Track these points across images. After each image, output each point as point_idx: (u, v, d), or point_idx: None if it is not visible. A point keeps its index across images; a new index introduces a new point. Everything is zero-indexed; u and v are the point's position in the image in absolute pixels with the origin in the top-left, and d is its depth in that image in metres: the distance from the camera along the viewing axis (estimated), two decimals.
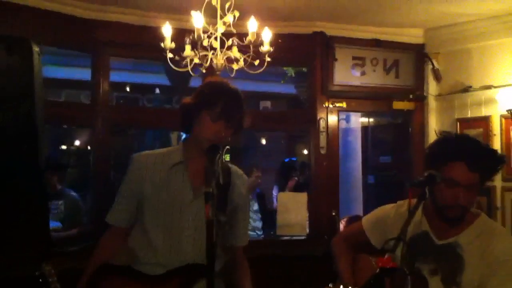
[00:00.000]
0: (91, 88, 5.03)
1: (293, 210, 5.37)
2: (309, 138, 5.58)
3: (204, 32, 3.92)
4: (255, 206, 6.41)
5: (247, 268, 2.65)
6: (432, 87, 5.60)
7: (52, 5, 4.59)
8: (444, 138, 2.46)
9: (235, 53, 3.99)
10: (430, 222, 2.44)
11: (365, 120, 7.17)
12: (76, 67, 6.65)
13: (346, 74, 5.48)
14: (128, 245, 2.51)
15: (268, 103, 8.91)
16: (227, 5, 3.95)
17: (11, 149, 2.27)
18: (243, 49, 4.01)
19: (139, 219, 2.50)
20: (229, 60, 4.03)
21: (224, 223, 2.39)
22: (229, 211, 2.44)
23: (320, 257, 4.79)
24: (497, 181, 4.88)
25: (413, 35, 5.57)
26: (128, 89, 8.72)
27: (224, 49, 4.01)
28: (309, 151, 5.64)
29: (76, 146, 8.73)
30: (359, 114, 6.85)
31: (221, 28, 3.97)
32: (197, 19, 3.80)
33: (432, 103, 5.60)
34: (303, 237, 5.39)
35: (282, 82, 6.56)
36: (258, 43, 3.93)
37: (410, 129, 5.75)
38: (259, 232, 6.24)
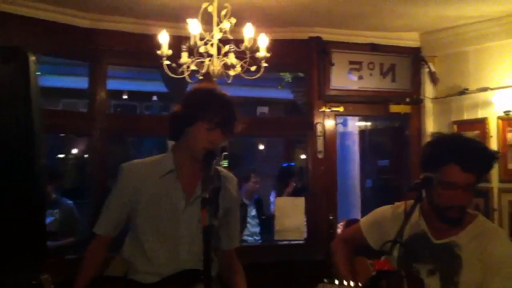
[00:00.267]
0: (89, 97, 5.03)
1: (291, 214, 5.37)
2: (306, 143, 5.59)
3: (201, 39, 3.94)
4: (253, 212, 6.41)
5: (241, 269, 2.66)
6: (428, 90, 5.62)
7: (48, 15, 4.61)
8: (436, 140, 2.47)
9: (231, 59, 4.01)
10: (427, 222, 2.44)
11: (362, 124, 7.18)
12: (73, 76, 6.66)
13: (343, 79, 5.50)
14: (123, 256, 2.50)
15: (265, 109, 8.94)
16: (223, 12, 3.96)
17: (8, 158, 2.27)
18: (239, 55, 4.03)
19: (132, 229, 2.49)
20: (226, 66, 4.05)
21: (217, 227, 2.41)
22: (221, 214, 2.44)
23: (318, 261, 4.79)
24: (494, 183, 4.89)
25: (409, 39, 5.60)
26: (125, 96, 8.73)
27: (221, 56, 4.03)
28: (306, 155, 5.65)
29: (73, 154, 8.73)
30: (357, 118, 6.86)
31: (217, 35, 3.99)
32: (194, 26, 3.82)
33: (428, 106, 5.62)
34: (301, 242, 5.39)
35: (279, 87, 6.56)
36: (254, 49, 3.95)
37: (407, 133, 5.76)
38: (257, 238, 6.24)
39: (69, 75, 6.96)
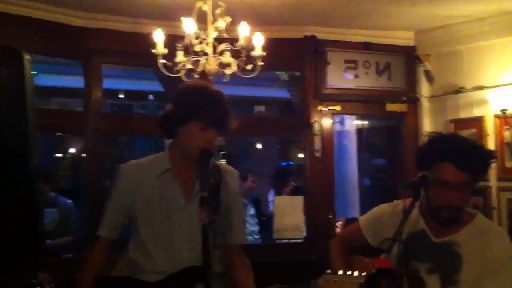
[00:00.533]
0: (84, 96, 5.01)
1: (290, 213, 5.37)
2: (303, 142, 5.59)
3: (196, 37, 3.93)
4: (251, 211, 6.40)
5: (248, 266, 2.61)
6: (424, 89, 5.62)
7: (42, 14, 4.59)
8: (431, 139, 2.46)
9: (227, 58, 3.99)
10: (427, 220, 2.44)
11: (359, 122, 7.18)
12: (68, 75, 6.63)
13: (338, 78, 5.51)
14: (127, 256, 2.51)
15: (262, 108, 8.92)
16: (218, 11, 3.95)
17: (1, 157, 2.26)
18: (235, 54, 4.02)
19: (134, 229, 2.49)
20: (222, 65, 4.03)
21: (219, 223, 2.39)
22: (223, 209, 2.43)
23: (317, 260, 4.79)
24: (492, 181, 4.89)
25: (403, 38, 5.60)
26: (121, 96, 8.71)
27: (217, 54, 4.01)
28: (304, 154, 5.64)
29: (70, 154, 8.70)
30: (354, 117, 6.86)
31: (213, 33, 3.97)
32: (189, 25, 3.81)
33: (425, 104, 5.62)
34: (300, 241, 5.39)
35: (275, 86, 6.56)
36: (250, 48, 3.94)
37: (404, 131, 5.76)
38: (256, 237, 6.23)
39: (64, 74, 6.93)
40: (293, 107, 6.89)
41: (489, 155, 2.37)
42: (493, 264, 2.28)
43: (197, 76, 4.09)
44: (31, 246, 2.47)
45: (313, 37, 5.37)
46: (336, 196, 5.58)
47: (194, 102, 2.37)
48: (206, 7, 3.96)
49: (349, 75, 5.54)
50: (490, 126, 5.00)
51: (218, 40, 4.03)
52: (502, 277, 2.26)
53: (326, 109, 5.45)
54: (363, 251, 2.61)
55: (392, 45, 5.60)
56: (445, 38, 5.38)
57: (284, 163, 7.95)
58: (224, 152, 2.48)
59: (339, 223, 5.39)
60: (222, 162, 2.65)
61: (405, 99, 5.64)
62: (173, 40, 4.04)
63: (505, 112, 4.85)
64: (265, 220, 6.37)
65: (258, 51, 3.94)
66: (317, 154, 5.42)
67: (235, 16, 3.94)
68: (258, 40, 3.95)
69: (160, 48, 3.94)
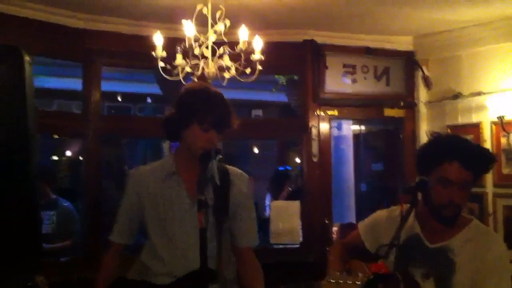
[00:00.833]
0: (83, 98, 5.01)
1: (286, 218, 5.37)
2: (301, 146, 5.59)
3: (195, 40, 3.93)
4: None
5: (258, 269, 2.63)
6: (422, 94, 5.63)
7: (42, 15, 4.59)
8: (436, 138, 2.48)
9: (226, 61, 4.00)
10: (422, 226, 2.45)
11: (356, 127, 7.18)
12: (67, 77, 6.63)
13: (337, 82, 5.51)
14: (139, 259, 2.55)
15: (259, 112, 8.91)
16: (218, 14, 3.96)
17: (2, 158, 2.26)
18: (234, 58, 4.02)
19: (147, 232, 2.53)
20: (221, 69, 4.04)
21: (228, 226, 2.44)
22: (232, 212, 2.45)
23: (313, 264, 4.79)
24: (489, 187, 4.91)
25: (402, 43, 5.61)
26: (119, 98, 8.70)
27: (216, 58, 4.02)
28: (301, 159, 5.64)
29: (67, 156, 8.69)
30: (351, 121, 6.86)
31: (212, 37, 3.98)
32: (188, 28, 3.81)
33: (422, 110, 5.63)
34: (296, 245, 5.38)
35: (273, 90, 6.56)
36: (249, 52, 3.95)
37: (401, 136, 5.76)
38: None
39: (63, 76, 6.93)
40: (291, 111, 6.89)
41: (492, 156, 2.41)
42: (488, 269, 2.29)
43: (196, 79, 4.09)
44: (29, 247, 2.47)
45: (312, 41, 5.38)
46: (332, 201, 5.58)
47: (194, 104, 2.40)
48: (206, 10, 3.97)
49: (348, 80, 5.54)
50: (487, 132, 5.01)
51: (218, 44, 4.04)
52: (497, 281, 2.27)
53: (324, 113, 5.46)
54: (362, 256, 2.62)
55: (391, 50, 5.61)
56: (445, 43, 5.39)
57: (281, 168, 7.95)
58: (221, 156, 2.50)
59: (334, 229, 5.39)
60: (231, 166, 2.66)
61: (403, 104, 5.64)
62: (172, 43, 4.04)
63: (502, 119, 4.86)
64: (262, 224, 6.36)
65: (257, 55, 3.95)
66: (315, 159, 5.42)
67: (235, 20, 3.95)
68: (258, 44, 3.96)
69: (159, 51, 3.94)
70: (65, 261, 4.85)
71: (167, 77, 4.03)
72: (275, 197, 6.62)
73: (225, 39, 3.96)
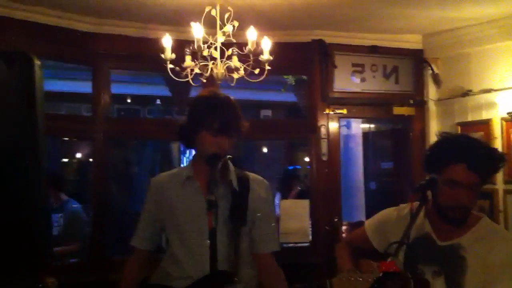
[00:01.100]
0: (92, 101, 5.04)
1: (296, 217, 5.37)
2: (310, 146, 5.59)
3: (204, 42, 3.95)
4: None
5: (279, 275, 2.63)
6: (431, 92, 5.62)
7: (51, 19, 4.62)
8: (443, 139, 2.46)
9: (235, 62, 4.01)
10: (432, 224, 2.44)
11: (365, 126, 7.17)
12: (76, 80, 6.68)
13: (346, 81, 5.51)
14: (161, 264, 2.59)
15: (268, 112, 8.93)
16: (226, 16, 3.98)
17: (11, 162, 2.27)
18: (243, 59, 4.03)
19: (167, 237, 2.58)
20: (229, 70, 4.05)
21: (248, 231, 2.47)
22: (251, 217, 2.47)
23: (322, 263, 4.79)
24: (499, 184, 4.88)
25: (411, 41, 5.60)
26: (128, 100, 8.75)
27: (224, 59, 4.03)
28: (310, 158, 5.65)
29: (77, 159, 8.75)
30: (360, 120, 6.86)
31: (221, 38, 3.99)
32: (197, 30, 3.83)
33: (432, 108, 5.61)
34: (306, 244, 5.39)
35: (282, 90, 6.57)
36: (257, 52, 3.96)
37: (411, 135, 5.75)
38: None
39: (72, 80, 6.98)
40: (300, 110, 6.90)
41: (501, 157, 2.37)
42: (499, 267, 2.27)
43: (205, 80, 4.11)
44: (39, 250, 2.49)
45: (320, 41, 5.38)
46: (342, 200, 5.58)
47: (201, 111, 2.46)
48: (215, 12, 3.98)
49: (356, 79, 5.54)
50: (497, 129, 4.99)
51: (226, 45, 4.05)
52: (509, 279, 2.26)
53: (333, 112, 5.46)
54: (368, 255, 2.62)
55: (399, 48, 5.60)
56: (453, 41, 5.37)
57: (291, 167, 7.96)
58: (230, 156, 2.53)
59: (343, 228, 5.39)
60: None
61: (412, 102, 5.63)
62: (181, 45, 4.06)
63: None
64: None
65: (265, 56, 3.96)
66: (324, 158, 5.42)
67: (243, 21, 3.96)
68: (266, 45, 3.97)
69: (168, 54, 3.96)
70: (72, 264, 4.88)
71: (176, 78, 4.05)
72: (284, 197, 6.63)
73: (234, 40, 3.97)
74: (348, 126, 6.95)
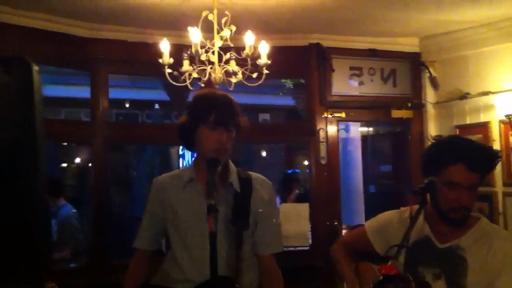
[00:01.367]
0: (91, 106, 5.05)
1: (295, 220, 5.37)
2: (308, 149, 5.60)
3: (202, 47, 3.95)
4: None
5: (278, 277, 2.60)
6: (430, 95, 5.63)
7: (49, 25, 4.63)
8: (439, 142, 2.47)
9: (233, 66, 4.01)
10: (431, 226, 2.44)
11: (364, 129, 7.18)
12: (75, 86, 6.68)
13: (344, 85, 5.52)
14: (163, 266, 2.57)
15: (267, 116, 8.93)
16: (223, 20, 3.97)
17: (11, 162, 2.27)
18: (241, 63, 4.04)
19: (169, 239, 2.56)
20: (227, 74, 4.05)
21: (251, 233, 2.45)
22: (253, 218, 2.46)
23: (322, 267, 4.78)
24: (498, 187, 4.89)
25: (408, 44, 5.61)
26: (127, 105, 8.75)
27: (222, 63, 4.03)
28: (309, 161, 5.65)
29: (76, 163, 8.75)
30: (359, 123, 6.86)
31: (218, 43, 3.99)
32: (194, 34, 3.83)
33: (430, 110, 5.63)
34: (306, 248, 5.38)
35: (280, 94, 6.57)
36: (255, 57, 3.96)
37: (409, 137, 5.76)
38: None
39: (71, 85, 6.98)
40: (298, 114, 6.90)
41: (496, 154, 2.39)
42: (499, 265, 2.27)
43: (203, 85, 4.11)
44: (39, 250, 2.49)
45: (318, 45, 5.39)
46: (341, 203, 5.58)
47: (198, 106, 2.44)
48: (212, 17, 3.98)
49: (354, 82, 5.55)
50: (496, 131, 5.00)
51: (224, 49, 4.05)
52: (509, 277, 2.26)
53: (331, 116, 5.47)
54: (366, 256, 2.61)
55: (397, 51, 5.62)
56: (451, 44, 5.39)
57: (290, 171, 7.96)
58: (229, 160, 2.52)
59: (343, 231, 5.39)
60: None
61: (410, 105, 5.64)
62: (178, 50, 4.06)
63: (510, 117, 4.84)
64: None
65: (263, 60, 3.96)
66: (323, 161, 5.43)
67: (241, 25, 3.97)
68: (264, 49, 3.97)
69: (166, 58, 3.96)
70: (71, 269, 4.88)
71: (174, 83, 4.05)
72: (283, 200, 6.63)
73: (231, 45, 3.97)
74: (346, 129, 6.95)
